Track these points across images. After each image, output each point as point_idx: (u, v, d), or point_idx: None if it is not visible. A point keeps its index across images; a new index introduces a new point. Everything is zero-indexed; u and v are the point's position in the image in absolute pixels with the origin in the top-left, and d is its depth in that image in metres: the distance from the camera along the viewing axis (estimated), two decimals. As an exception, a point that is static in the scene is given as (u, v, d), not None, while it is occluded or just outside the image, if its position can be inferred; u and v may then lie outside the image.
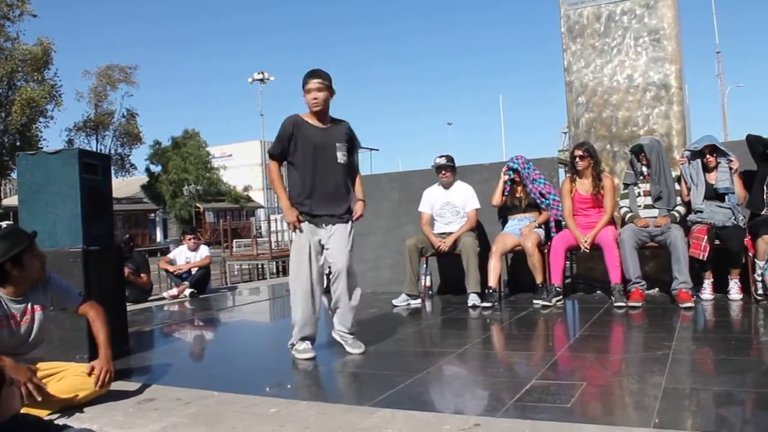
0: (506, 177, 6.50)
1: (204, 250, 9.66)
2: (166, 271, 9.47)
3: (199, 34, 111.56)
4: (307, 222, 4.45)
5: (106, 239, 4.81)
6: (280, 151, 4.47)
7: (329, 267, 4.61)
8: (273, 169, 4.55)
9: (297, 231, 4.43)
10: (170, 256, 9.83)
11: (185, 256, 9.52)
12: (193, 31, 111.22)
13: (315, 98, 4.40)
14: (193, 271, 9.29)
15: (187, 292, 8.98)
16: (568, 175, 6.31)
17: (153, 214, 54.34)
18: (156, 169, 52.54)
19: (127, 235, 9.98)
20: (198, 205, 51.34)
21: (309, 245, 4.44)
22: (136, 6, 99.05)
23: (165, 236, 53.42)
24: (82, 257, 4.44)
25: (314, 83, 4.40)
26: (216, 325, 6.90)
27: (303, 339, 4.48)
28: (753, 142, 5.83)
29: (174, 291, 9.04)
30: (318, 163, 4.45)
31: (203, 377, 4.22)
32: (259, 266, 25.25)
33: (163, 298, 9.02)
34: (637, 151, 6.00)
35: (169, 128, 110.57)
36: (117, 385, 3.77)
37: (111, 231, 4.98)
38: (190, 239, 9.63)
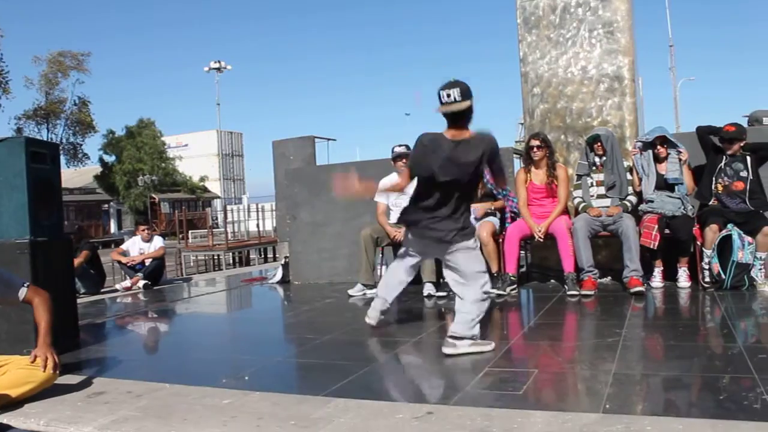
0: None
1: (158, 241, 9.52)
2: (119, 262, 9.30)
3: (153, 23, 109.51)
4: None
5: (55, 230, 4.69)
6: None
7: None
8: None
9: None
10: (123, 247, 9.68)
11: (139, 247, 9.37)
12: (147, 20, 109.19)
13: None
14: (147, 262, 9.16)
15: (141, 283, 8.85)
16: (522, 165, 6.36)
17: (106, 205, 53.35)
18: (110, 159, 51.51)
19: (77, 226, 9.79)
20: (153, 195, 50.56)
21: None
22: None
23: (119, 227, 52.52)
24: (30, 249, 4.32)
25: None
26: (170, 316, 6.80)
27: None
28: (702, 133, 5.95)
29: (127, 283, 8.89)
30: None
31: (156, 370, 4.17)
32: (216, 257, 24.99)
33: (116, 290, 8.86)
34: (592, 142, 6.08)
35: (124, 118, 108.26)
36: (65, 379, 3.69)
37: (60, 222, 4.86)
38: (143, 230, 9.49)
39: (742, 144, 5.71)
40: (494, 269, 6.14)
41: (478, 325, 3.94)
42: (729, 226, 5.57)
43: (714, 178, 5.79)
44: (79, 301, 5.89)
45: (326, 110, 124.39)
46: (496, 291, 5.93)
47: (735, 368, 3.28)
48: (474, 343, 3.90)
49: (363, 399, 3.11)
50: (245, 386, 3.49)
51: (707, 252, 5.58)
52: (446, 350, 3.89)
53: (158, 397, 3.36)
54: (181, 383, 3.59)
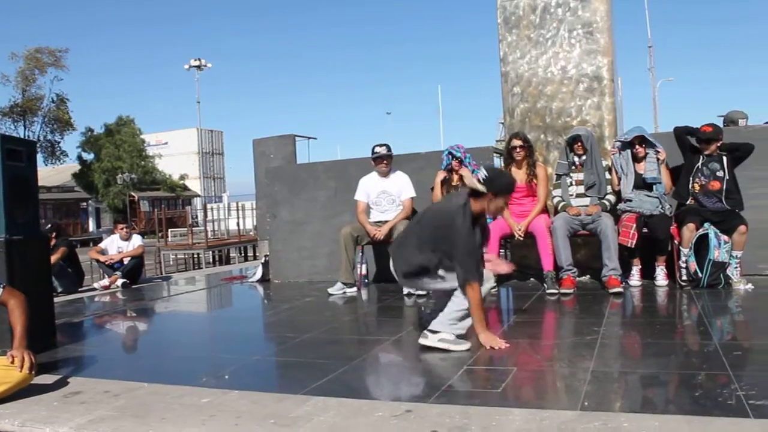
0: (445, 163, 6.51)
1: (137, 240, 9.46)
2: (97, 261, 9.23)
3: (133, 19, 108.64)
4: None
5: (30, 228, 4.64)
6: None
7: None
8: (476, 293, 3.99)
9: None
10: (102, 245, 9.61)
11: (117, 245, 9.31)
12: (127, 16, 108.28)
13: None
14: (125, 261, 9.09)
15: (119, 282, 8.79)
16: (502, 164, 6.38)
17: (85, 203, 52.81)
18: (88, 157, 51.00)
19: (49, 225, 9.69)
20: (132, 194, 50.15)
21: None
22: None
23: (98, 226, 52.09)
24: (5, 247, 4.28)
25: None
26: (149, 315, 6.76)
27: None
28: (680, 133, 6.01)
29: (105, 281, 8.83)
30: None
31: (134, 369, 4.13)
32: (195, 256, 24.84)
33: (94, 289, 8.79)
34: (572, 141, 6.11)
35: (103, 115, 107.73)
36: (41, 379, 3.66)
37: (36, 220, 4.81)
38: (122, 228, 9.43)
39: (718, 144, 5.77)
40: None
41: (460, 324, 3.96)
42: (706, 225, 5.63)
43: (691, 178, 5.84)
44: (56, 300, 5.85)
45: (307, 109, 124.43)
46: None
47: (710, 365, 3.32)
48: (441, 339, 3.93)
49: (342, 397, 3.10)
50: (224, 385, 3.47)
51: (684, 251, 5.64)
52: (420, 340, 3.98)
53: (136, 397, 3.34)
54: (160, 382, 3.56)
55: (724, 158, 5.75)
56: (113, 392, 3.42)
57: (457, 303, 3.93)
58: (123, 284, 8.77)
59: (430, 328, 3.97)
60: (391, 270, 4.25)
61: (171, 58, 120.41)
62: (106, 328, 5.99)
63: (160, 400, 3.24)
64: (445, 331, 3.94)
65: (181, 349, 4.73)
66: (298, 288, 7.44)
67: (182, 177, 56.94)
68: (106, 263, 9.07)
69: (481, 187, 3.98)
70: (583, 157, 6.08)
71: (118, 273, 8.90)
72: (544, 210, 6.20)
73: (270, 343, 4.91)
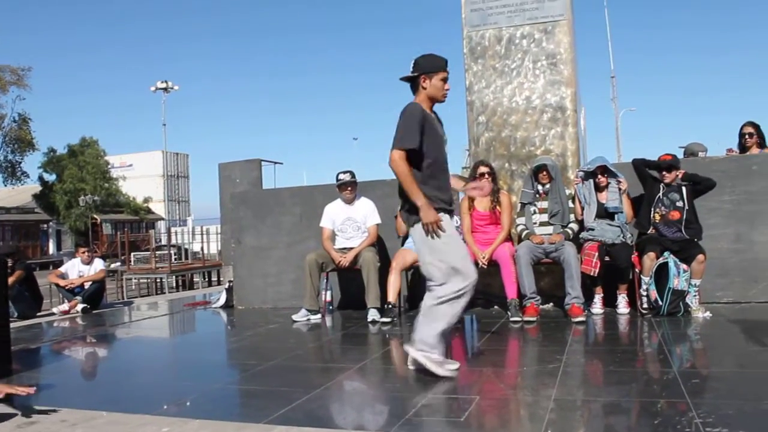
0: None
1: (98, 264, 9.31)
2: (57, 285, 9.06)
3: (100, 41, 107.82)
4: (445, 214, 4.04)
5: (-13, 251, 4.54)
6: (417, 143, 3.95)
7: None
8: (404, 163, 3.92)
9: (438, 229, 3.93)
10: (62, 269, 9.42)
11: (78, 269, 9.15)
12: (93, 38, 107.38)
13: (448, 89, 4.15)
14: (86, 285, 8.93)
15: (79, 307, 8.62)
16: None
17: (46, 225, 51.87)
18: (50, 177, 50.19)
19: (13, 245, 9.51)
20: (95, 216, 49.39)
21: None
22: (31, 11, 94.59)
23: (58, 248, 51.13)
24: (-40, 270, 4.18)
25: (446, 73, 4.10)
26: (110, 341, 6.63)
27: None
28: (638, 164, 6.15)
29: (65, 306, 8.66)
30: (445, 157, 4.19)
31: (93, 397, 4.03)
32: (158, 280, 24.52)
33: (53, 314, 8.61)
34: (537, 171, 6.18)
35: (66, 136, 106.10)
36: (-5, 407, 3.56)
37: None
38: (83, 252, 9.27)
39: (678, 174, 5.91)
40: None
41: (431, 339, 3.95)
42: (666, 254, 5.73)
43: (652, 208, 5.95)
44: (12, 325, 5.71)
45: (274, 133, 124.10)
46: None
47: (670, 393, 3.37)
48: (426, 356, 3.94)
49: (306, 426, 3.08)
50: (185, 414, 3.41)
51: (645, 279, 5.73)
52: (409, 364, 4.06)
53: (94, 426, 3.27)
54: (119, 411, 3.50)
55: (684, 188, 5.88)
56: (70, 422, 3.35)
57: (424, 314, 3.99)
58: (83, 309, 8.60)
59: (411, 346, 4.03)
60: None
61: (137, 80, 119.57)
62: (65, 354, 5.86)
63: (119, 430, 3.18)
64: (418, 347, 3.96)
65: (142, 377, 4.65)
66: (262, 314, 7.38)
67: (146, 200, 56.27)
68: (66, 287, 8.90)
69: (410, 74, 4.05)
70: (547, 186, 6.16)
71: (79, 298, 8.73)
72: (508, 238, 6.25)
73: (232, 371, 4.85)
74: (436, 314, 3.96)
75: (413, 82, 4.11)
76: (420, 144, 3.95)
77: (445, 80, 4.08)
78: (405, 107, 4.03)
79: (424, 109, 4.03)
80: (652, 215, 5.95)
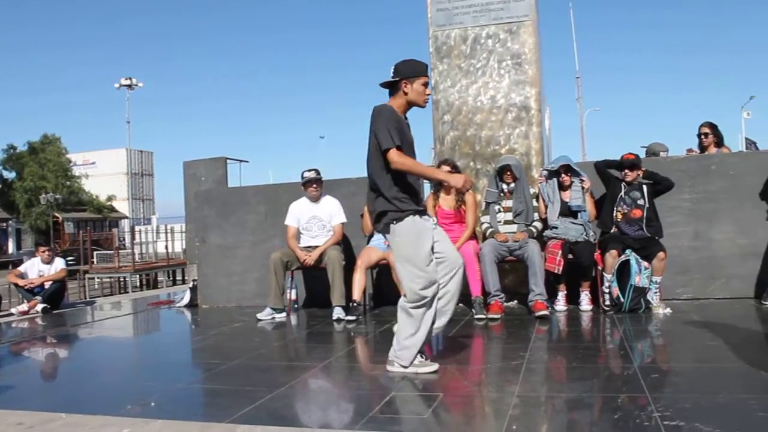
0: None
1: (59, 263, 9.17)
2: (16, 285, 8.88)
3: (59, 39, 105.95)
4: (420, 216, 4.04)
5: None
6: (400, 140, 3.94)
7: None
8: (404, 157, 3.92)
9: (418, 226, 3.96)
10: (21, 269, 9.25)
11: (38, 269, 9.00)
12: (54, 35, 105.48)
13: (429, 94, 4.15)
14: (47, 285, 8.78)
15: (39, 307, 8.47)
16: (431, 191, 6.46)
17: (4, 224, 50.80)
18: (9, 175, 49.27)
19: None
20: (57, 214, 48.56)
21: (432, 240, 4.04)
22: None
23: (18, 247, 50.09)
24: None
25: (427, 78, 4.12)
26: (71, 341, 6.53)
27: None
28: (601, 166, 6.23)
29: (24, 306, 8.51)
30: (414, 158, 4.13)
31: (52, 399, 3.97)
32: (122, 279, 24.22)
33: (11, 314, 8.45)
34: (501, 171, 6.22)
35: (26, 133, 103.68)
36: (-51, 410, 3.48)
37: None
38: (44, 251, 9.11)
39: (639, 172, 6.01)
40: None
41: (405, 351, 3.97)
42: (627, 251, 5.82)
43: (614, 208, 6.04)
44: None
45: (240, 131, 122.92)
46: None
47: (630, 388, 3.42)
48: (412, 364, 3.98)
49: (269, 425, 3.07)
50: (147, 414, 3.38)
51: (607, 276, 5.81)
52: (387, 367, 4.06)
53: (52, 429, 3.21)
54: (79, 412, 3.44)
55: (644, 187, 5.97)
56: (27, 424, 3.29)
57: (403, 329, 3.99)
58: (43, 309, 8.46)
59: (390, 357, 4.05)
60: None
61: (100, 78, 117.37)
62: (24, 355, 5.75)
63: None
64: (395, 359, 4.00)
65: (103, 378, 4.58)
66: (227, 313, 7.33)
67: (110, 198, 55.46)
68: (26, 287, 8.74)
69: (391, 78, 4.04)
70: (512, 185, 6.21)
71: (38, 297, 8.58)
72: (473, 236, 6.29)
73: (196, 370, 4.81)
74: (413, 321, 3.97)
75: (393, 87, 4.10)
76: None
77: (426, 85, 4.10)
78: (377, 109, 4.03)
79: (392, 108, 4.04)
80: (614, 214, 6.03)
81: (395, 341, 4.06)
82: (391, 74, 4.06)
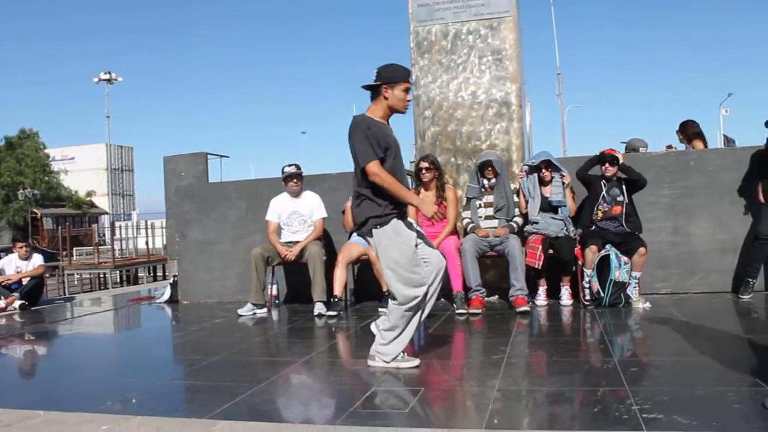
0: None
1: (37, 259, 9.06)
2: (-7, 281, 8.77)
3: (37, 32, 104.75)
4: (402, 222, 4.03)
5: None
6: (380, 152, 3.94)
7: None
8: (383, 172, 3.91)
9: (401, 229, 3.97)
10: (-3, 265, 9.12)
11: (15, 265, 8.89)
12: (30, 29, 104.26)
13: (409, 100, 4.12)
14: (24, 281, 8.68)
15: (17, 304, 8.37)
16: (413, 186, 6.46)
17: (-19, 221, 50.28)
18: (-14, 170, 48.65)
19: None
20: (35, 210, 48.04)
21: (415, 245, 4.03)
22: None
23: (-5, 244, 49.58)
24: None
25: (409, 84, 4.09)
26: (49, 338, 6.46)
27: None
28: (582, 172, 6.18)
29: (1, 303, 8.39)
30: (400, 163, 4.13)
31: (30, 396, 3.92)
32: (102, 275, 24.03)
33: (-12, 311, 8.34)
34: (482, 166, 6.24)
35: (3, 128, 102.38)
36: (-76, 408, 3.44)
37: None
38: (21, 247, 9.00)
39: (618, 169, 6.04)
40: (385, 288, 6.15)
41: (390, 347, 3.99)
42: (607, 246, 5.86)
43: (595, 206, 6.04)
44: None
45: (221, 126, 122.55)
46: (386, 310, 5.95)
47: (610, 381, 3.45)
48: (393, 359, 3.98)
49: (249, 421, 3.06)
50: (126, 411, 3.36)
51: (588, 271, 5.85)
52: (368, 362, 4.06)
53: (30, 426, 3.18)
54: (58, 410, 3.41)
55: (623, 183, 6.01)
56: (5, 422, 3.25)
57: (388, 319, 4.00)
58: (21, 306, 8.35)
59: (371, 352, 4.05)
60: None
61: (79, 72, 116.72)
62: (1, 352, 5.68)
63: (56, 429, 3.11)
64: (379, 353, 4.00)
65: (83, 374, 4.53)
66: (208, 309, 7.29)
67: (89, 193, 54.94)
68: (3, 284, 8.63)
69: (372, 82, 4.01)
70: (493, 181, 6.23)
71: (16, 294, 8.48)
72: (454, 231, 6.30)
73: (177, 366, 4.78)
74: (401, 321, 3.97)
75: (374, 91, 4.06)
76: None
77: (407, 91, 4.07)
78: (352, 121, 4.02)
79: (367, 118, 4.01)
80: (594, 212, 6.04)
81: (378, 337, 4.06)
82: (374, 78, 4.03)
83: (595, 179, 6.14)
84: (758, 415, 2.83)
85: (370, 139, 3.90)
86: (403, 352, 4.04)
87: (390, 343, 3.99)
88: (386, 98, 4.02)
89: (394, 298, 3.97)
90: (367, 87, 4.07)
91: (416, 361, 4.02)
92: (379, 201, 3.95)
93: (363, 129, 3.94)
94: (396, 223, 3.96)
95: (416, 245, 4.02)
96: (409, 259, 3.92)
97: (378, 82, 4.01)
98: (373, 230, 3.96)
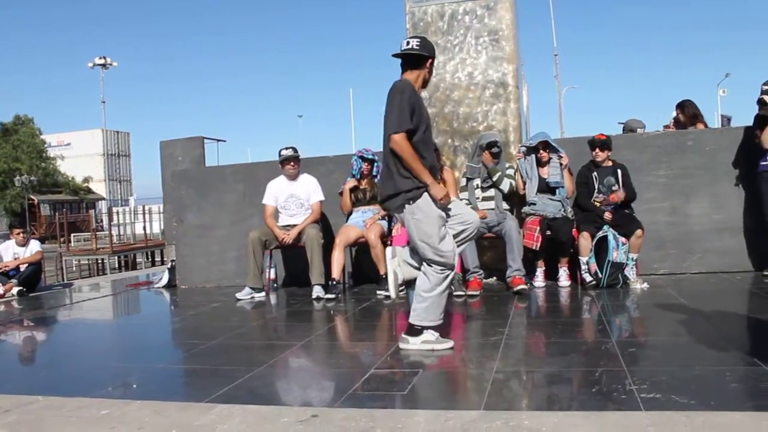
0: (356, 167, 6.55)
1: (34, 245, 9.06)
2: (-9, 268, 8.76)
3: (31, 18, 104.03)
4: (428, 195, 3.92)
5: None
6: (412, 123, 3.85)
7: None
8: (407, 144, 3.82)
9: (431, 203, 3.86)
10: (-5, 252, 9.11)
11: (13, 251, 8.88)
12: (24, 15, 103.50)
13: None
14: (22, 267, 8.68)
15: (15, 290, 8.36)
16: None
17: (-23, 207, 50.19)
18: (-18, 157, 48.51)
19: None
20: (32, 197, 47.96)
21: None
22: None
23: (-7, 231, 49.55)
24: None
25: None
26: (48, 324, 6.45)
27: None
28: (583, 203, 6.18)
29: (-1, 290, 8.38)
30: (430, 138, 4.11)
31: (29, 382, 3.94)
32: (100, 261, 24.01)
33: (-14, 298, 8.34)
34: (488, 146, 6.18)
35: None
36: (-76, 394, 3.43)
37: None
38: (18, 234, 8.99)
39: (608, 153, 6.01)
40: (382, 271, 6.17)
41: (429, 316, 3.90)
42: (605, 227, 5.85)
43: (592, 198, 6.01)
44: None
45: (218, 111, 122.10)
46: (384, 293, 5.97)
47: (608, 362, 3.45)
48: (424, 341, 3.90)
49: (248, 404, 3.06)
50: (126, 395, 3.37)
51: (583, 259, 5.86)
52: (400, 345, 3.95)
53: (29, 411, 3.18)
54: (57, 395, 3.41)
55: (619, 171, 5.98)
56: (4, 407, 3.24)
57: (420, 284, 3.93)
58: (19, 292, 8.34)
59: (408, 327, 3.95)
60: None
61: (73, 58, 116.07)
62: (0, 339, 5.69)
63: (55, 414, 3.10)
64: (415, 325, 3.91)
65: (82, 360, 4.55)
66: (206, 293, 7.29)
67: (86, 179, 54.83)
68: (1, 270, 8.62)
69: (422, 53, 3.96)
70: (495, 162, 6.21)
71: (14, 281, 8.47)
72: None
73: (175, 350, 4.79)
74: (435, 279, 3.89)
75: (413, 62, 3.99)
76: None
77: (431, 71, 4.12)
78: (395, 85, 3.93)
79: (411, 85, 3.95)
80: (592, 201, 6.02)
81: (414, 299, 3.97)
82: (416, 47, 3.97)
83: (586, 174, 6.09)
84: (755, 395, 2.84)
85: (406, 107, 3.83)
86: (437, 332, 3.97)
87: (424, 302, 3.90)
88: (430, 72, 4.06)
89: (430, 264, 3.89)
90: (407, 55, 3.99)
91: (450, 343, 3.96)
92: (409, 174, 3.87)
93: (406, 95, 3.86)
94: (426, 198, 3.90)
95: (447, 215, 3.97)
96: (439, 233, 3.86)
97: (424, 54, 3.98)
98: (406, 205, 3.89)
